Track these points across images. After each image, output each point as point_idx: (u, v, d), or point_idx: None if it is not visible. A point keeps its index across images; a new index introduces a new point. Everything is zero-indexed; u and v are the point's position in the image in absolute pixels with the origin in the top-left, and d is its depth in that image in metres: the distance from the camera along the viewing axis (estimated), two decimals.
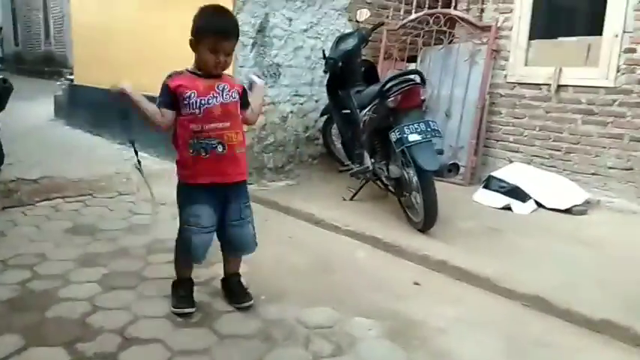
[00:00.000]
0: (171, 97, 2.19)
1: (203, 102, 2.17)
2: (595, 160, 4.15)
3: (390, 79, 3.33)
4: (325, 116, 4.79)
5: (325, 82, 4.67)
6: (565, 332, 2.37)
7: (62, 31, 14.99)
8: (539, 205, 4.00)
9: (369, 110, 3.52)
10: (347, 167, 4.17)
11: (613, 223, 3.77)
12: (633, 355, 2.22)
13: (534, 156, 4.51)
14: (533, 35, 4.46)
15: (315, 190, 4.42)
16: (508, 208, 3.99)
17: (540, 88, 4.39)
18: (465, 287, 2.82)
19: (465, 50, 4.73)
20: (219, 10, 2.24)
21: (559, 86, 4.24)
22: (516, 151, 4.63)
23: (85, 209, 3.91)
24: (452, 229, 3.47)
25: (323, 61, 4.66)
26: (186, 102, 2.16)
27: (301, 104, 4.89)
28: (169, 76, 2.23)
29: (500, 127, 4.71)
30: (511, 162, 4.58)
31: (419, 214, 3.36)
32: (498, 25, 4.58)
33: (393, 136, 3.23)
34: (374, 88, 3.61)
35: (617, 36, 3.93)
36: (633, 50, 3.86)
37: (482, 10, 4.74)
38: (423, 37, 5.06)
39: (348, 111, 4.11)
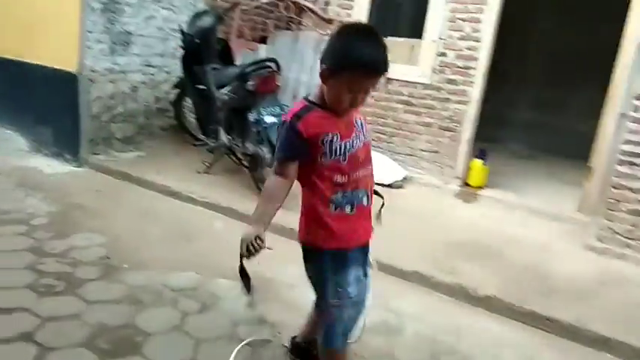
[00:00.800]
0: (304, 145, 1.62)
1: (348, 146, 1.66)
2: (411, 143, 4.97)
3: (250, 65, 3.63)
4: (178, 89, 4.86)
5: (178, 54, 4.75)
6: (386, 281, 2.97)
7: None
8: None
9: (228, 90, 3.76)
10: (202, 142, 4.35)
11: (423, 195, 4.61)
12: (432, 296, 2.92)
13: None
14: None
15: (167, 163, 4.51)
16: None
17: None
18: None
19: (311, 38, 5.18)
20: (368, 33, 1.61)
21: (387, 79, 4.95)
22: None
23: None
24: (297, 201, 3.92)
25: (175, 33, 4.72)
26: (326, 148, 1.62)
27: (152, 75, 4.87)
28: (297, 117, 1.62)
29: None
30: None
31: None
32: (340, 18, 5.11)
33: (252, 117, 3.55)
34: (234, 70, 3.86)
35: (434, 41, 4.74)
36: (445, 54, 4.70)
37: (327, 3, 5.22)
38: (274, 20, 5.38)
39: (203, 87, 4.27)
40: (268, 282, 2.82)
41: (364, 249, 1.84)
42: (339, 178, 1.66)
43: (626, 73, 3.86)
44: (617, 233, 3.54)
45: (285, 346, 2.21)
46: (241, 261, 1.72)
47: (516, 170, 5.53)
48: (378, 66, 1.58)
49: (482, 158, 4.72)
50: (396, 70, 4.90)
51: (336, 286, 1.75)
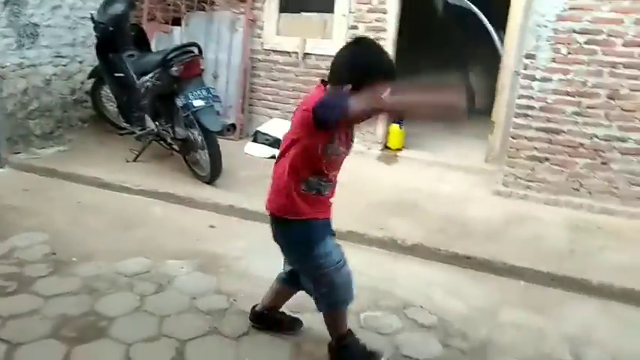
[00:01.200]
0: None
1: (338, 151, 1.87)
2: None
3: (172, 51, 3.68)
4: (94, 79, 4.76)
5: (90, 43, 4.65)
6: None
7: None
8: None
9: (151, 77, 3.78)
10: (128, 130, 4.33)
11: (349, 161, 4.86)
12: (368, 251, 3.22)
13: (289, 112, 5.37)
14: (282, 9, 5.22)
15: (93, 155, 4.45)
16: (274, 157, 4.78)
17: (290, 55, 5.22)
18: (251, 224, 3.48)
19: (225, 18, 5.22)
20: (373, 44, 1.83)
21: (305, 54, 5.13)
22: (275, 109, 5.43)
23: None
24: (233, 178, 4.07)
25: (84, 21, 4.62)
26: (335, 142, 1.83)
27: (64, 66, 4.72)
28: None
29: (261, 88, 5.43)
30: (271, 118, 5.37)
31: (205, 168, 3.86)
32: None
33: (179, 101, 3.62)
34: (155, 56, 3.88)
35: (344, 15, 4.96)
36: (356, 27, 4.95)
37: None
38: (185, 1, 5.34)
39: (122, 75, 4.24)
40: (218, 257, 2.99)
41: (330, 221, 2.06)
42: (322, 167, 1.85)
43: (516, 34, 4.32)
44: (519, 178, 4.05)
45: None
46: None
47: (429, 130, 5.96)
48: (394, 71, 1.77)
49: (398, 122, 5.08)
50: (311, 44, 5.10)
51: (319, 256, 1.93)
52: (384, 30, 4.84)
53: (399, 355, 2.23)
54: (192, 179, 4.01)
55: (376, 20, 4.85)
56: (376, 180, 4.38)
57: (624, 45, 3.68)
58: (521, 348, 2.34)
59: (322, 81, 1.88)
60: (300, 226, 1.93)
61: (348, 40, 1.80)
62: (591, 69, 3.77)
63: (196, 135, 3.73)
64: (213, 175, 3.80)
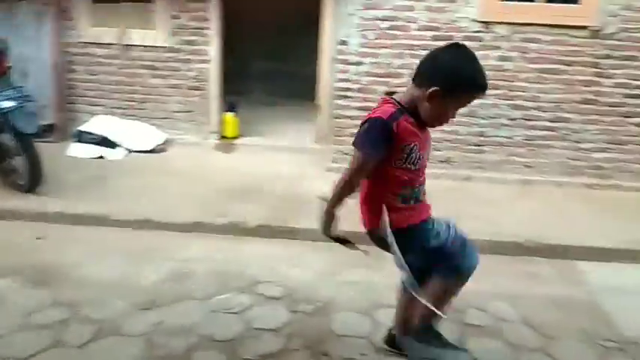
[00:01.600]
0: (390, 147, 1.72)
1: (421, 157, 1.79)
2: (164, 106, 5.11)
3: None
4: None
5: None
6: (169, 237, 3.25)
7: None
8: (128, 149, 4.72)
9: None
10: None
11: (185, 154, 4.85)
12: (215, 238, 3.30)
13: (115, 107, 5.12)
14: None
15: None
16: (102, 156, 4.54)
17: (110, 47, 4.95)
18: (86, 228, 3.32)
19: (30, 9, 4.73)
20: (475, 58, 1.73)
21: (127, 45, 4.91)
22: (98, 105, 5.11)
23: None
24: (58, 183, 3.78)
25: None
26: (406, 154, 1.75)
27: None
28: (394, 119, 1.71)
29: (80, 83, 5.05)
30: (95, 115, 5.05)
31: (23, 176, 3.52)
32: None
33: None
34: None
35: (166, 4, 4.83)
36: (178, 17, 4.87)
37: None
38: None
39: None
40: (52, 268, 2.81)
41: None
42: (406, 179, 1.81)
43: (332, 24, 4.68)
44: (345, 153, 4.43)
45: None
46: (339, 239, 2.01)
47: (263, 117, 6.15)
48: (486, 87, 1.74)
49: (232, 111, 5.18)
50: (133, 35, 4.90)
51: (439, 240, 1.90)
52: (207, 20, 4.85)
53: (251, 329, 2.38)
54: (8, 190, 3.63)
55: (199, 10, 4.83)
56: (215, 169, 4.45)
57: (418, 29, 4.26)
58: (357, 301, 2.65)
59: (386, 93, 1.88)
60: (414, 232, 1.89)
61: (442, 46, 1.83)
62: (395, 52, 4.29)
63: (9, 140, 3.38)
64: (33, 182, 3.49)
